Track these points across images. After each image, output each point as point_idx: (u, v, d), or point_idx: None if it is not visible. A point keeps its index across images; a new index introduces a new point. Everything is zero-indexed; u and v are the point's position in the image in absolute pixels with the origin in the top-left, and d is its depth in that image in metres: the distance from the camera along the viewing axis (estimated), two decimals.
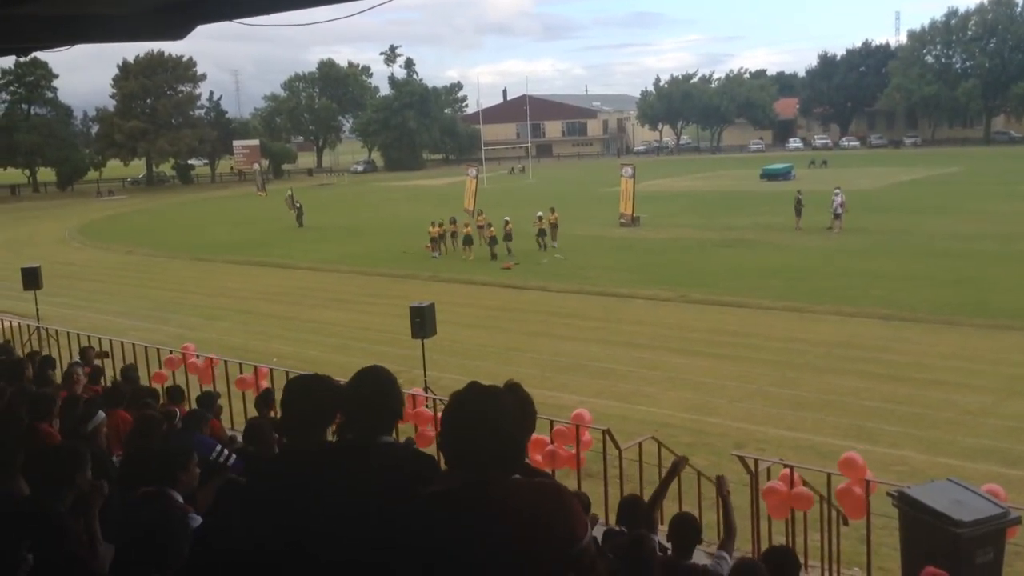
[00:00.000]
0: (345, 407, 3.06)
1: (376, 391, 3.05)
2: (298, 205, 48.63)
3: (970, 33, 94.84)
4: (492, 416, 2.48)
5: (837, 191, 35.81)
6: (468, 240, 33.30)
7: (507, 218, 33.99)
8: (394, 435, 3.23)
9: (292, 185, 64.15)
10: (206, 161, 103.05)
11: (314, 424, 3.23)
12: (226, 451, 6.73)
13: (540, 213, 34.57)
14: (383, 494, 2.78)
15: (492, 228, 32.90)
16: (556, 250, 33.34)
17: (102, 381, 10.26)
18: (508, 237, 32.95)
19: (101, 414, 6.24)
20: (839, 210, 35.08)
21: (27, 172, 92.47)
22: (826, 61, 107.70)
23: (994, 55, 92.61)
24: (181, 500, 4.21)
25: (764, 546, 8.23)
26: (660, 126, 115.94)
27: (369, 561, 2.67)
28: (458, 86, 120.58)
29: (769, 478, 9.01)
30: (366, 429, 3.00)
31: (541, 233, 33.85)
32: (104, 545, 4.19)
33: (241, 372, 13.28)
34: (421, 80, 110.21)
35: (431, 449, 10.29)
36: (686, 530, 5.46)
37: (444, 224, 34.77)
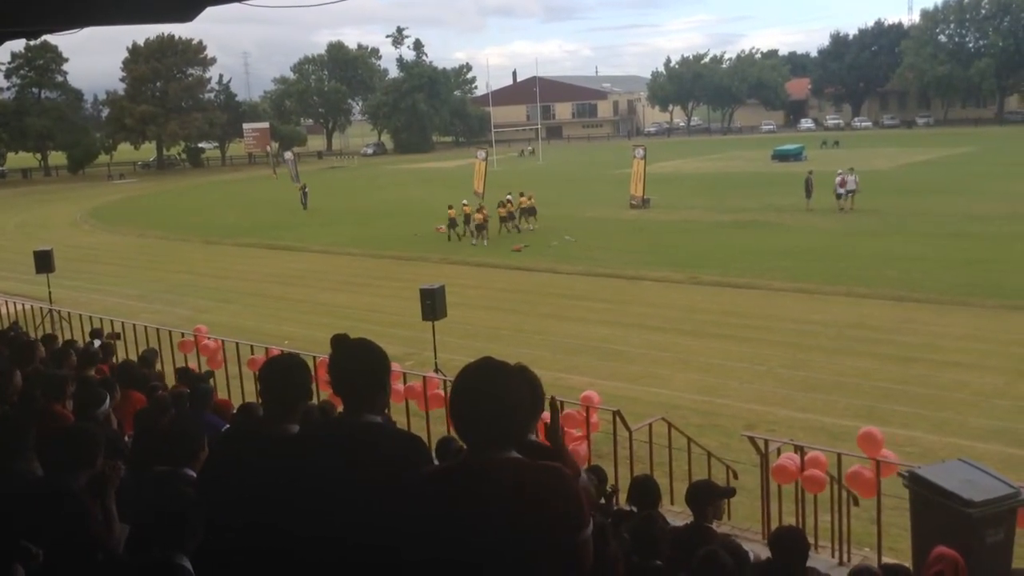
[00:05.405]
0: (332, 381, 3.02)
1: (354, 364, 2.99)
2: (304, 189, 48.58)
3: (983, 12, 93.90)
4: (501, 389, 2.49)
5: (852, 174, 35.50)
6: (453, 223, 33.26)
7: (465, 201, 34.34)
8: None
9: (301, 169, 64.14)
10: (216, 144, 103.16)
11: (294, 403, 3.25)
12: None
13: (509, 196, 34.84)
14: (367, 474, 2.78)
15: (480, 212, 32.77)
16: (530, 230, 33.72)
17: (113, 360, 10.31)
18: (467, 220, 33.03)
19: (106, 404, 6.22)
20: (847, 188, 34.96)
21: (38, 156, 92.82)
22: (838, 41, 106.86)
23: (1008, 34, 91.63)
24: (195, 477, 4.25)
25: (774, 526, 8.24)
26: (671, 107, 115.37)
27: (362, 543, 2.68)
28: (467, 68, 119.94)
29: (779, 457, 9.01)
30: (350, 406, 2.98)
31: (509, 217, 34.04)
32: (119, 525, 4.24)
33: (252, 353, 13.34)
34: (430, 62, 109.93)
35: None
36: (702, 494, 5.64)
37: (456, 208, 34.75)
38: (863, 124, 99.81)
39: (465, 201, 34.87)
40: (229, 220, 44.22)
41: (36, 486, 4.13)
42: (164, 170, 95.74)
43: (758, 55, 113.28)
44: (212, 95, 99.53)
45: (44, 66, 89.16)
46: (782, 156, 61.88)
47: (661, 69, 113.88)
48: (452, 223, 33.36)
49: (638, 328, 19.39)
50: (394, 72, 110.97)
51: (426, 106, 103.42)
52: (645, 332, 19.01)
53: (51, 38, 65.65)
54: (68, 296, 23.29)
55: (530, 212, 34.98)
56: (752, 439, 9.36)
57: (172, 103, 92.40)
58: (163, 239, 39.45)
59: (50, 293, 21.13)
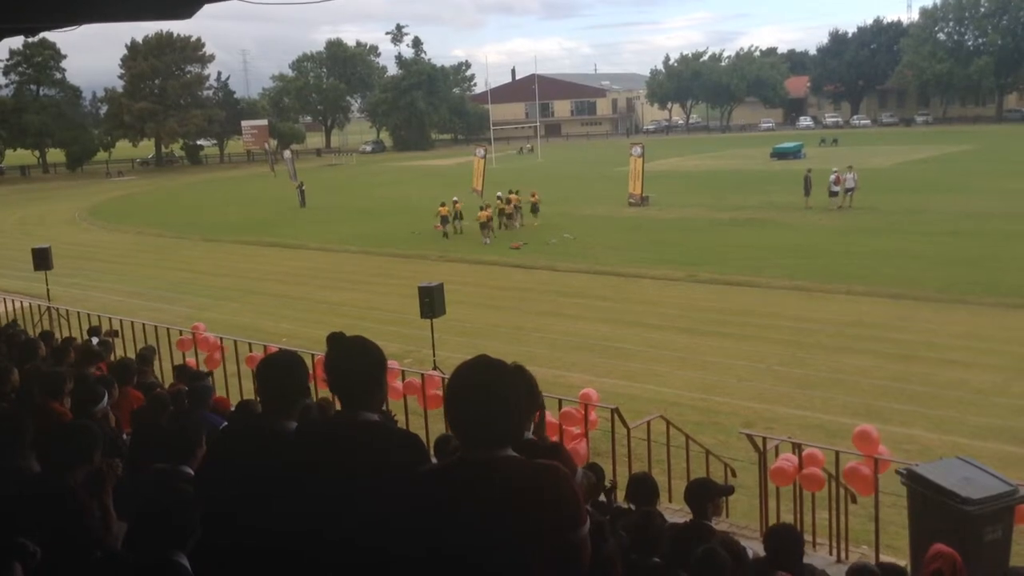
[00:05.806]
0: (328, 380, 3.03)
1: (350, 363, 2.99)
2: (302, 187, 48.42)
3: (983, 10, 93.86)
4: (497, 387, 2.49)
5: (851, 172, 35.58)
6: (445, 220, 33.88)
7: (456, 198, 35.23)
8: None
9: (300, 167, 64.15)
10: (215, 141, 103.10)
11: (292, 401, 3.25)
12: None
13: (499, 194, 35.48)
14: (365, 472, 2.77)
15: (485, 211, 33.05)
16: (515, 228, 34.28)
17: (111, 358, 10.29)
18: (459, 216, 34.05)
19: (104, 402, 6.21)
20: (846, 186, 35.06)
21: (36, 153, 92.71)
22: (837, 38, 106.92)
23: (1007, 32, 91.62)
24: (193, 475, 4.25)
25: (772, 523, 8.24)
26: (669, 105, 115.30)
27: (360, 540, 2.67)
28: (466, 65, 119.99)
29: (777, 455, 9.01)
30: (347, 404, 2.99)
31: (514, 212, 34.89)
32: (117, 522, 4.23)
33: (251, 351, 13.32)
34: (429, 60, 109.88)
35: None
36: (701, 491, 5.63)
37: (448, 205, 35.01)
38: (862, 122, 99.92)
39: (456, 198, 35.39)
40: (227, 218, 44.17)
41: (32, 483, 4.12)
42: (162, 167, 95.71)
43: (757, 53, 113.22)
44: (211, 92, 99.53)
45: (42, 63, 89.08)
46: (781, 154, 61.89)
47: (660, 67, 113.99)
48: (444, 220, 33.69)
49: (636, 326, 19.39)
50: (393, 69, 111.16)
51: (425, 104, 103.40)
52: (643, 330, 19.01)
53: (49, 35, 65.43)
54: (66, 294, 23.28)
55: (534, 209, 35.31)
56: (750, 437, 9.35)
57: (171, 100, 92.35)
58: (161, 236, 39.40)
59: (48, 291, 21.11)
